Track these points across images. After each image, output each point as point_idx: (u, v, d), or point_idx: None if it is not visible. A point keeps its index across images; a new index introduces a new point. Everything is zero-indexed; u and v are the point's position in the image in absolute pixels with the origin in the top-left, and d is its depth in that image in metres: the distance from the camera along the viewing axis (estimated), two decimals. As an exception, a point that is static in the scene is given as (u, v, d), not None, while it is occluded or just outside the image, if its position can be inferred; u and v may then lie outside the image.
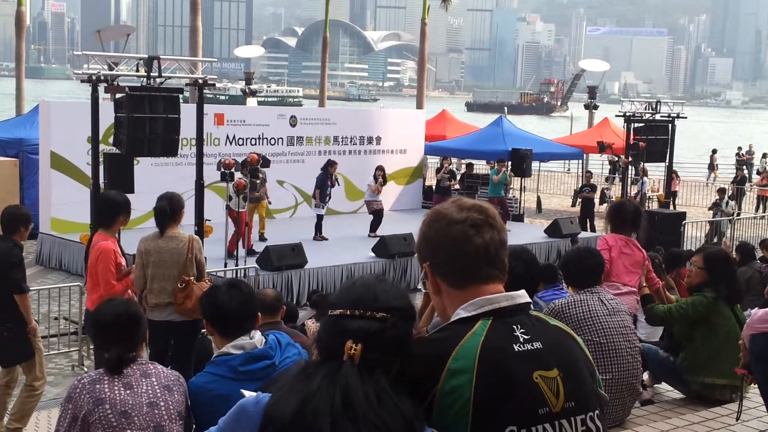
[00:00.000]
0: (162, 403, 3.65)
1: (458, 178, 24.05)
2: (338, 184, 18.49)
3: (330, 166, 17.73)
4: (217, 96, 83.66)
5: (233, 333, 3.71)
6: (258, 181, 16.02)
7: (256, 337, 3.72)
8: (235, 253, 14.58)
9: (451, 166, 22.89)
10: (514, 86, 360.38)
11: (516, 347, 2.12)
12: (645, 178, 25.88)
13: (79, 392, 3.59)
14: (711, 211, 23.03)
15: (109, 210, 7.39)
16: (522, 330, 2.16)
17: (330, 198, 17.86)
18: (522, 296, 2.25)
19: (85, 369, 10.59)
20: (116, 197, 7.53)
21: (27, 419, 7.47)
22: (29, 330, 7.30)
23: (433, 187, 25.45)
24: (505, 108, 78.84)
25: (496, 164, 21.85)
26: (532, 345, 2.14)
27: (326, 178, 17.58)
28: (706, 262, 6.48)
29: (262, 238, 16.55)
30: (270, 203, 18.03)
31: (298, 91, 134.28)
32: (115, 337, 3.76)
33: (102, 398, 3.56)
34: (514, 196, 23.88)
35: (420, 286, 3.33)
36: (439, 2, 40.68)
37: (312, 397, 1.95)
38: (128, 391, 3.62)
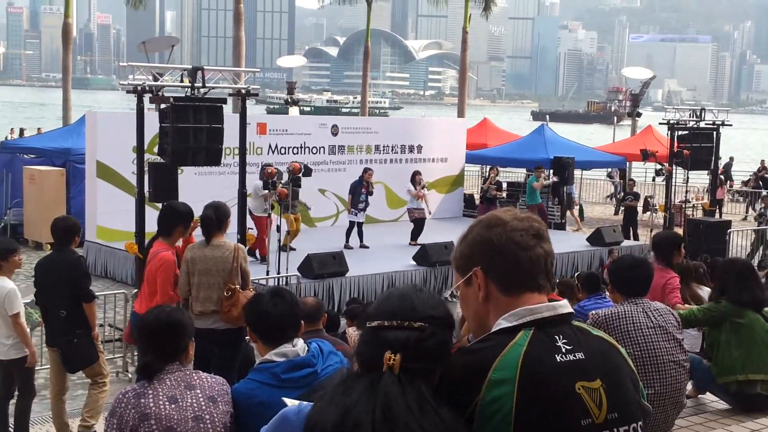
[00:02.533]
0: (207, 416, 3.61)
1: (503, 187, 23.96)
2: (372, 192, 18.03)
3: (365, 172, 17.80)
4: (273, 107, 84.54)
5: (276, 340, 3.71)
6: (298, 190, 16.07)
7: (299, 345, 3.72)
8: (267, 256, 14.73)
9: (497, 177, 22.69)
10: (555, 95, 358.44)
11: (558, 358, 2.11)
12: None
13: (124, 406, 3.56)
14: (757, 221, 22.64)
15: (168, 220, 7.70)
16: (564, 340, 2.15)
17: (366, 205, 17.74)
18: (564, 306, 2.24)
19: (129, 375, 10.72)
20: (178, 207, 7.86)
21: (99, 416, 7.67)
22: (93, 336, 7.61)
23: (475, 195, 25.33)
24: (547, 116, 78.00)
25: (534, 171, 21.73)
26: (575, 355, 2.13)
27: (360, 184, 17.59)
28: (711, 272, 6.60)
29: (288, 249, 15.17)
30: (310, 208, 18.07)
31: (385, 102, 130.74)
32: (152, 343, 3.73)
33: (147, 413, 3.53)
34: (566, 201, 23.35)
35: (447, 295, 3.23)
36: (480, 11, 40.56)
37: (352, 408, 1.95)
38: (173, 405, 3.58)
